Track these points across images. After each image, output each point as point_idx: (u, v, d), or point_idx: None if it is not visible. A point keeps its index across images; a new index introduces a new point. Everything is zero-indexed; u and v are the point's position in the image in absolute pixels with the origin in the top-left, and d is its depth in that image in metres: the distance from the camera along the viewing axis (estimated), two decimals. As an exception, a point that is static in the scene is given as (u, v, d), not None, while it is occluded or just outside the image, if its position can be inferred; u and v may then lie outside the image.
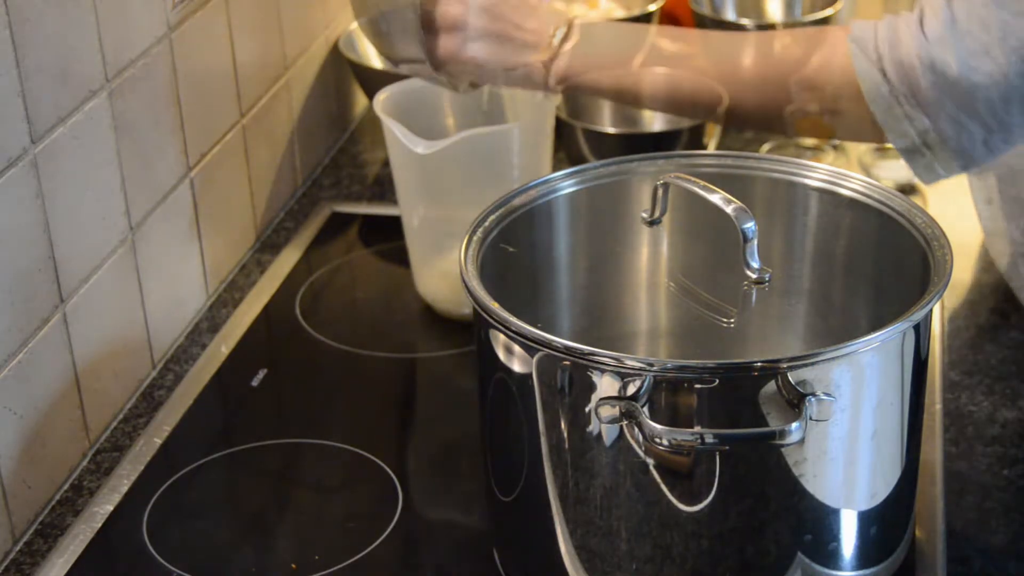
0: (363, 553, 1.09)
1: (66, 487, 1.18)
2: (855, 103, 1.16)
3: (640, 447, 0.91)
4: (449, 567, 1.10)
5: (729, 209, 1.00)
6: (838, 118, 1.19)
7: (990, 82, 1.10)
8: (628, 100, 1.35)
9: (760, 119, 1.27)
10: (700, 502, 0.93)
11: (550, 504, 0.97)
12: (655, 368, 0.90)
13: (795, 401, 0.89)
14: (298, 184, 1.62)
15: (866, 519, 0.97)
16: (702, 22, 1.79)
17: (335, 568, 1.08)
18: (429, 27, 1.21)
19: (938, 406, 1.22)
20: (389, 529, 1.11)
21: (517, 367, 0.95)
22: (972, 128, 1.12)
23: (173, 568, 1.08)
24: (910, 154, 1.16)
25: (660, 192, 1.07)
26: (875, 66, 1.14)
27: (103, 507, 1.14)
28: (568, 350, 0.91)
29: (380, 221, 1.55)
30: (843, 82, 1.16)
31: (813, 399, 0.89)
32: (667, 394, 0.90)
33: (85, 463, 1.20)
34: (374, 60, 1.72)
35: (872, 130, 1.17)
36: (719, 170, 1.10)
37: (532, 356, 0.93)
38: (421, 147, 1.26)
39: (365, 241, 1.54)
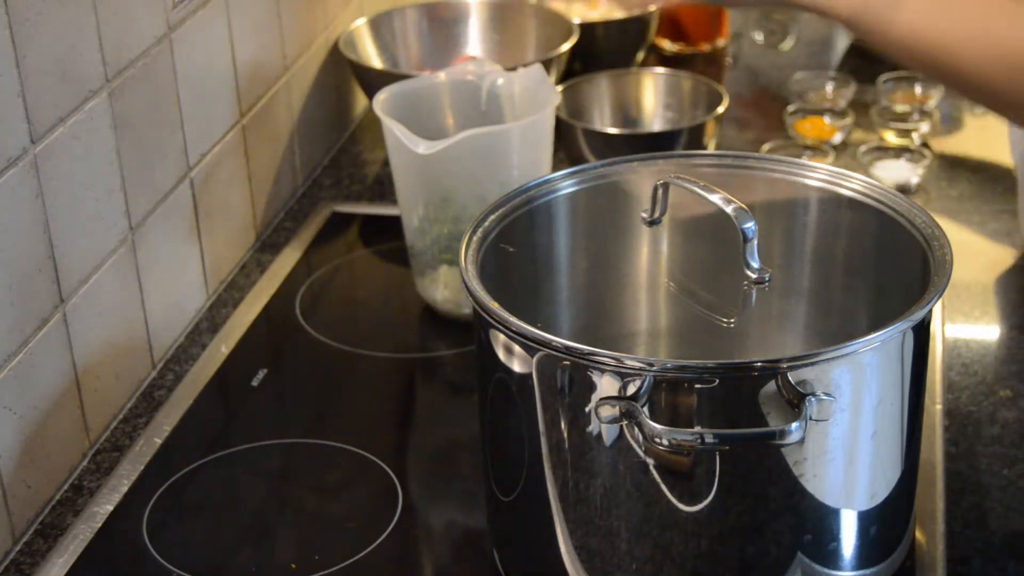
0: (363, 553, 1.09)
1: (66, 487, 1.18)
2: None
3: (640, 447, 0.91)
4: (449, 567, 1.10)
5: (729, 209, 1.00)
6: None
7: None
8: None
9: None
10: (700, 502, 0.92)
11: (550, 504, 0.97)
12: (655, 368, 0.90)
13: (795, 401, 0.89)
14: (298, 184, 1.62)
15: (866, 519, 0.97)
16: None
17: (335, 568, 1.08)
18: None
19: (938, 406, 1.22)
20: (389, 529, 1.11)
21: (517, 367, 0.95)
22: None
23: (173, 568, 1.08)
24: None
25: (660, 192, 1.07)
26: None
27: (103, 507, 1.14)
28: (568, 350, 0.91)
29: (380, 221, 1.55)
30: None
31: (813, 399, 0.89)
32: (667, 394, 0.90)
33: (85, 463, 1.20)
34: (374, 60, 1.72)
35: None
36: (719, 170, 1.10)
37: (532, 356, 0.93)
38: (421, 147, 1.26)
39: (365, 241, 1.54)
